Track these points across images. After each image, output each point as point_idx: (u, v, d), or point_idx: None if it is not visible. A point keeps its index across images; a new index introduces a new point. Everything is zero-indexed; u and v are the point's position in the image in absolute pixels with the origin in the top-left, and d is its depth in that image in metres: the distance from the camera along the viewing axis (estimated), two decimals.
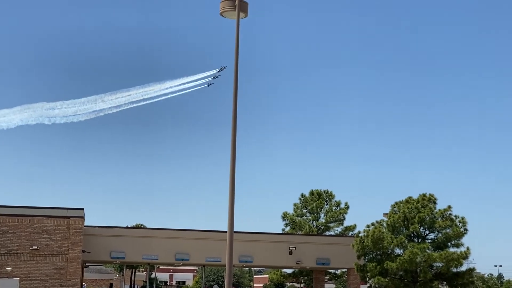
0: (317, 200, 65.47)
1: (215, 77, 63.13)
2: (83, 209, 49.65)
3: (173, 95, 63.18)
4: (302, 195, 66.49)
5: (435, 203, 50.51)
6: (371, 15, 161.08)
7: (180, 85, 62.26)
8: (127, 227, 62.83)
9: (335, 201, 65.87)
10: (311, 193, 66.22)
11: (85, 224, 49.04)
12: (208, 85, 63.29)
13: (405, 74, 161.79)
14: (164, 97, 63.14)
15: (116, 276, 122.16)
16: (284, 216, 65.58)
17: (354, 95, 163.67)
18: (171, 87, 62.57)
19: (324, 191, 66.42)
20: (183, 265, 61.94)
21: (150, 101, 63.91)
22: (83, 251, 48.08)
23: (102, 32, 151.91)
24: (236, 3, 23.26)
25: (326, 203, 65.98)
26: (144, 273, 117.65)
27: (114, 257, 51.28)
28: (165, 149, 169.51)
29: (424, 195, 50.73)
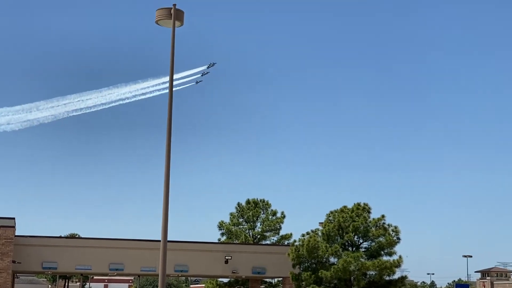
0: (253, 209, 65.55)
1: (203, 73, 62.29)
2: (14, 218, 48.49)
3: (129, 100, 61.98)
4: (239, 204, 66.48)
5: (369, 212, 51.23)
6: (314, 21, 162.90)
7: (160, 84, 61.20)
8: (60, 237, 61.63)
9: (272, 210, 66.09)
10: (248, 202, 66.26)
11: (16, 234, 47.87)
12: (197, 82, 62.47)
13: (337, 88, 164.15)
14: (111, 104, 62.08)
15: (49, 287, 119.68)
16: (220, 225, 65.41)
17: (288, 105, 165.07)
18: (130, 91, 61.44)
19: (261, 200, 66.55)
20: (118, 275, 61.14)
21: (90, 110, 62.86)
22: (14, 262, 46.91)
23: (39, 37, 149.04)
24: (172, 11, 23.14)
25: (262, 212, 66.09)
26: (78, 283, 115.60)
27: (46, 267, 50.23)
28: (100, 158, 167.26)
29: (359, 204, 51.41)
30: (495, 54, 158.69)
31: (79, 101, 62.31)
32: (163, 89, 62.10)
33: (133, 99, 62.55)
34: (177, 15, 23.20)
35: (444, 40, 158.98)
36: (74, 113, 62.39)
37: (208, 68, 62.71)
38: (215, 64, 62.49)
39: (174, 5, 23.17)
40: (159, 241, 22.56)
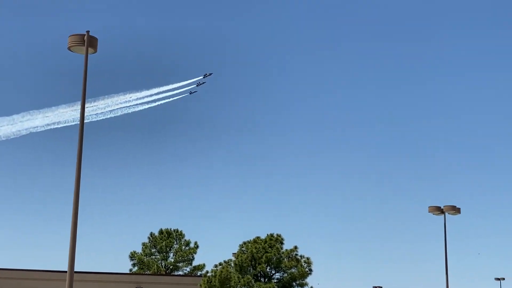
0: (166, 239, 64.94)
1: (199, 84, 61.15)
2: None
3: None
4: (151, 234, 65.74)
5: (282, 243, 51.56)
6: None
7: (158, 93, 60.01)
8: None
9: (185, 240, 65.68)
10: (161, 232, 65.64)
11: None
12: (191, 93, 61.30)
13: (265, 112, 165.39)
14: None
15: None
16: (132, 255, 64.41)
17: (204, 132, 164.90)
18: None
19: (174, 230, 66.06)
20: None
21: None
22: None
23: None
24: (85, 38, 22.88)
25: (175, 242, 65.59)
26: None
27: None
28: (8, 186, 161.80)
29: (272, 235, 51.69)
30: None
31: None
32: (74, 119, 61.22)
33: (176, 97, 61.02)
34: (90, 42, 22.95)
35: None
36: None
37: (204, 77, 62.03)
38: (211, 74, 61.78)
39: (88, 31, 22.91)
40: (66, 272, 22.01)
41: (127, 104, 62.85)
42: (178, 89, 61.99)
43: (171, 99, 63.00)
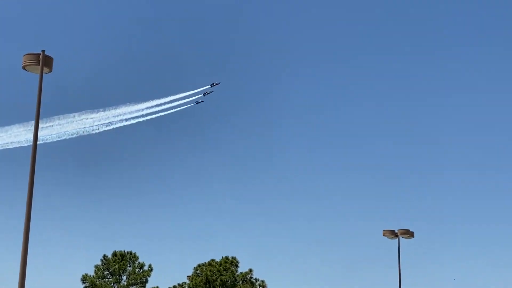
0: (119, 262, 64.14)
1: (205, 93, 60.34)
2: None
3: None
4: (104, 256, 64.87)
5: (237, 266, 51.48)
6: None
7: (167, 102, 59.16)
8: None
9: (139, 263, 64.95)
10: (114, 254, 64.83)
11: None
12: (197, 103, 60.54)
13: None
14: None
15: None
16: (84, 278, 63.40)
17: (160, 155, 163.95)
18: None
19: (128, 252, 65.30)
20: None
21: None
22: None
23: None
24: (40, 58, 22.58)
25: (129, 265, 64.81)
26: None
27: None
28: None
29: (227, 258, 51.57)
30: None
31: None
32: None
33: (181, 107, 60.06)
34: (45, 62, 22.66)
35: None
36: None
37: (211, 87, 61.32)
38: (218, 83, 61.05)
39: (43, 51, 22.64)
40: None
41: (84, 125, 62.29)
42: (169, 103, 61.94)
43: (161, 113, 62.79)
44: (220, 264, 51.02)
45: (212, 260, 51.53)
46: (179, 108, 61.74)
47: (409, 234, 46.82)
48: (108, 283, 63.79)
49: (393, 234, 46.70)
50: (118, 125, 64.47)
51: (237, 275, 50.83)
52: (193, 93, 61.77)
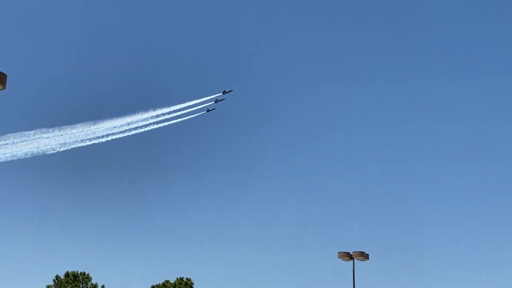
0: (72, 283, 63.20)
1: (217, 100, 59.34)
2: None
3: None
4: (57, 277, 63.92)
5: (191, 287, 51.05)
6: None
7: (177, 110, 58.18)
8: None
9: (92, 283, 64.12)
10: (67, 274, 63.88)
11: None
12: (208, 111, 59.49)
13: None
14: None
15: None
16: None
17: (117, 171, 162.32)
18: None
19: (81, 273, 64.38)
20: None
21: None
22: None
23: None
24: None
25: (82, 286, 63.94)
26: None
27: None
28: None
29: (181, 279, 51.13)
30: None
31: None
32: None
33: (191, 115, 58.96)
34: None
35: None
36: None
37: (224, 94, 60.27)
38: (231, 91, 60.01)
39: None
40: None
41: (38, 145, 61.73)
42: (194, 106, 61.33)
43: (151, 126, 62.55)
44: (175, 285, 50.54)
45: (167, 281, 51.04)
46: (188, 117, 61.21)
47: (364, 256, 47.14)
48: None
49: (348, 256, 46.96)
50: (68, 147, 64.06)
51: None
52: (203, 101, 61.28)
